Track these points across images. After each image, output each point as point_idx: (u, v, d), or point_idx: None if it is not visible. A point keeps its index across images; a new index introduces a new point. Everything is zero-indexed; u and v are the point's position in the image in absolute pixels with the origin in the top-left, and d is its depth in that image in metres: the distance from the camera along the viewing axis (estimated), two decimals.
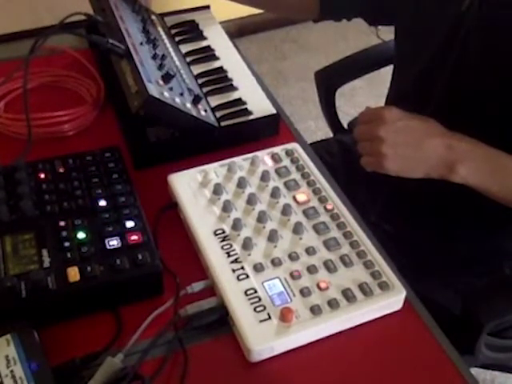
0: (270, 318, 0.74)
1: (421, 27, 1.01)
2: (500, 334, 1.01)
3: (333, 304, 0.76)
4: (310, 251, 0.81)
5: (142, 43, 1.01)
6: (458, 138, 0.84)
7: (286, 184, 0.90)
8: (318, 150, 1.12)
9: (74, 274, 0.75)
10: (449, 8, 0.94)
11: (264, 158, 0.94)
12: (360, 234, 0.84)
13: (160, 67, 0.96)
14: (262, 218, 0.84)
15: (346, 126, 1.41)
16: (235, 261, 0.80)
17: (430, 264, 1.08)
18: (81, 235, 0.79)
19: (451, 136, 0.84)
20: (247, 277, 0.78)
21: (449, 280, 1.07)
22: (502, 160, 0.86)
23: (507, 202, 0.88)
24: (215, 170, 0.92)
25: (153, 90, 0.88)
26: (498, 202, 0.90)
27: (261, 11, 1.33)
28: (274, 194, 0.88)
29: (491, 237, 1.06)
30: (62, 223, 0.80)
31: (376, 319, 0.78)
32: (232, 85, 1.06)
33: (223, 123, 0.98)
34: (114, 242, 0.78)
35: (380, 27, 2.41)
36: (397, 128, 0.83)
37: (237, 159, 0.93)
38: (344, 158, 1.25)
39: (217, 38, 1.17)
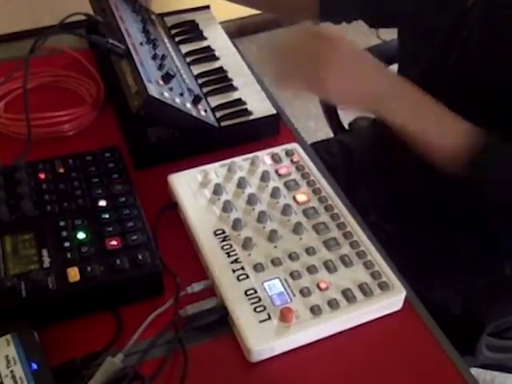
0: (269, 318, 0.74)
1: (421, 27, 1.01)
2: (500, 334, 1.01)
3: (333, 304, 0.76)
4: (310, 251, 0.81)
5: (141, 43, 1.01)
6: (398, 78, 0.88)
7: (285, 184, 0.90)
8: (319, 150, 1.12)
9: (74, 274, 0.75)
10: (450, 7, 0.94)
11: (264, 158, 0.94)
12: (360, 234, 0.84)
13: (160, 67, 0.96)
14: (261, 218, 0.84)
15: (346, 126, 1.41)
16: (235, 261, 0.80)
17: (430, 264, 1.08)
18: (81, 235, 0.79)
19: (393, 75, 0.88)
20: (247, 277, 0.78)
21: (449, 280, 1.07)
22: (433, 106, 0.87)
23: (431, 152, 0.88)
24: (215, 170, 0.92)
25: (153, 90, 0.88)
26: (497, 202, 0.90)
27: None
28: (274, 194, 0.88)
29: (491, 236, 1.06)
30: (62, 223, 0.80)
31: (376, 319, 0.78)
32: (232, 85, 1.06)
33: (223, 123, 0.98)
34: (114, 242, 0.78)
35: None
36: (347, 53, 0.86)
37: (237, 159, 0.93)
38: (344, 158, 1.25)
39: (217, 38, 1.17)
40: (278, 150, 0.96)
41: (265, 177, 0.91)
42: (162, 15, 1.20)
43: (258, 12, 1.32)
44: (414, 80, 1.04)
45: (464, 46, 0.92)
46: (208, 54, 1.13)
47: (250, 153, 0.95)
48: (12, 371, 0.66)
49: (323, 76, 0.83)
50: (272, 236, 0.82)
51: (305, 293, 0.77)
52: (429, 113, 0.88)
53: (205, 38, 1.17)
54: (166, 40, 1.11)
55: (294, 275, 0.78)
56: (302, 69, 0.85)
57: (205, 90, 1.04)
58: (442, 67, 0.96)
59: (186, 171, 0.92)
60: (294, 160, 0.94)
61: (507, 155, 0.84)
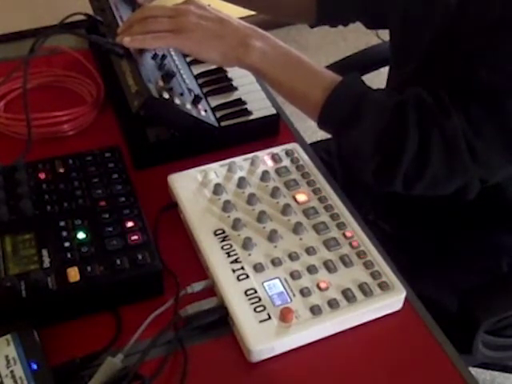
0: (270, 318, 0.74)
1: (410, 27, 1.01)
2: (498, 332, 1.02)
3: (333, 304, 0.76)
4: (310, 251, 0.81)
5: None
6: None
7: (285, 184, 0.90)
8: (317, 150, 1.12)
9: (74, 274, 0.75)
10: (436, 5, 0.94)
11: (264, 158, 0.94)
12: (360, 234, 0.84)
13: (160, 67, 0.96)
14: (261, 218, 0.84)
15: None
16: (235, 261, 0.80)
17: (427, 263, 1.08)
18: (81, 235, 0.79)
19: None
20: (247, 277, 0.78)
21: (447, 278, 1.07)
22: (297, 56, 0.89)
23: (293, 99, 0.90)
24: (215, 170, 0.92)
25: (153, 90, 0.88)
26: (495, 200, 0.90)
27: None
28: (274, 194, 0.88)
29: (489, 234, 1.06)
30: (62, 223, 0.80)
31: (376, 319, 0.78)
32: (232, 85, 1.06)
33: (223, 123, 0.98)
34: (114, 242, 0.78)
35: None
36: (202, 8, 0.91)
37: (237, 159, 0.93)
38: (342, 158, 1.25)
39: None
40: (278, 149, 0.96)
41: (265, 177, 0.91)
42: None
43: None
44: (406, 80, 1.04)
45: (451, 44, 0.92)
46: None
47: (250, 153, 0.95)
48: (12, 371, 0.66)
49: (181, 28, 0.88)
50: (272, 236, 0.82)
51: (305, 293, 0.76)
52: (294, 60, 0.89)
53: None
54: None
55: (294, 275, 0.78)
56: (162, 25, 0.89)
57: (205, 90, 1.04)
58: (432, 67, 0.96)
59: (186, 171, 0.92)
60: (294, 160, 0.94)
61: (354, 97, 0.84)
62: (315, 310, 0.75)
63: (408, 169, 0.81)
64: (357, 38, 2.65)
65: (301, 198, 0.88)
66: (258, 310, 0.75)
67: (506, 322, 1.01)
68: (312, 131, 2.16)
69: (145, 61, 0.94)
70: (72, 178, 0.87)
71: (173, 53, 1.07)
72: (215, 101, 1.02)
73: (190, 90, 0.98)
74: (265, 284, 0.77)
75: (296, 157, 0.95)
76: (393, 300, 0.78)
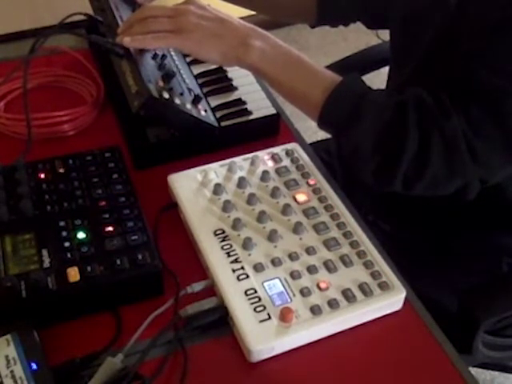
0: (269, 317, 0.74)
1: (411, 27, 1.01)
2: (498, 332, 1.02)
3: (333, 304, 0.76)
4: (310, 251, 0.81)
5: None
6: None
7: (285, 184, 0.90)
8: (317, 149, 1.12)
9: (74, 274, 0.75)
10: (437, 6, 0.94)
11: (264, 158, 0.94)
12: (360, 234, 0.84)
13: (160, 67, 0.96)
14: (261, 218, 0.84)
15: None
16: (235, 261, 0.80)
17: (427, 262, 1.08)
18: (81, 235, 0.79)
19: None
20: (247, 277, 0.78)
21: (447, 278, 1.07)
22: (297, 56, 0.89)
23: (293, 99, 0.90)
24: (215, 170, 0.92)
25: (153, 90, 0.88)
26: (495, 200, 0.89)
27: None
28: (274, 194, 0.88)
29: (489, 234, 1.06)
30: (61, 223, 0.80)
31: (376, 319, 0.78)
32: (232, 85, 1.06)
33: (223, 123, 0.98)
34: (114, 242, 0.78)
35: None
36: (202, 8, 0.91)
37: (237, 159, 0.93)
38: (343, 158, 1.25)
39: None
40: (278, 149, 0.96)
41: (265, 177, 0.91)
42: None
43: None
44: (406, 80, 1.04)
45: (451, 44, 0.92)
46: None
47: (249, 153, 0.95)
48: (12, 371, 0.66)
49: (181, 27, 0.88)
50: (272, 236, 0.82)
51: (305, 293, 0.77)
52: (294, 59, 0.89)
53: None
54: None
55: (294, 275, 0.78)
56: (162, 25, 0.89)
57: (205, 89, 1.04)
58: (432, 67, 0.96)
59: (186, 171, 0.92)
60: (294, 160, 0.94)
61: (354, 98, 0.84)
62: (315, 310, 0.75)
63: (408, 169, 0.81)
64: (357, 38, 2.65)
65: (301, 198, 0.88)
66: (258, 309, 0.75)
67: (506, 322, 1.01)
68: (312, 131, 2.16)
69: (145, 61, 0.94)
70: (72, 178, 0.87)
71: (173, 53, 1.07)
72: (215, 101, 1.02)
73: (190, 90, 0.98)
74: (265, 284, 0.77)
75: (296, 157, 0.95)
76: (393, 300, 0.78)
